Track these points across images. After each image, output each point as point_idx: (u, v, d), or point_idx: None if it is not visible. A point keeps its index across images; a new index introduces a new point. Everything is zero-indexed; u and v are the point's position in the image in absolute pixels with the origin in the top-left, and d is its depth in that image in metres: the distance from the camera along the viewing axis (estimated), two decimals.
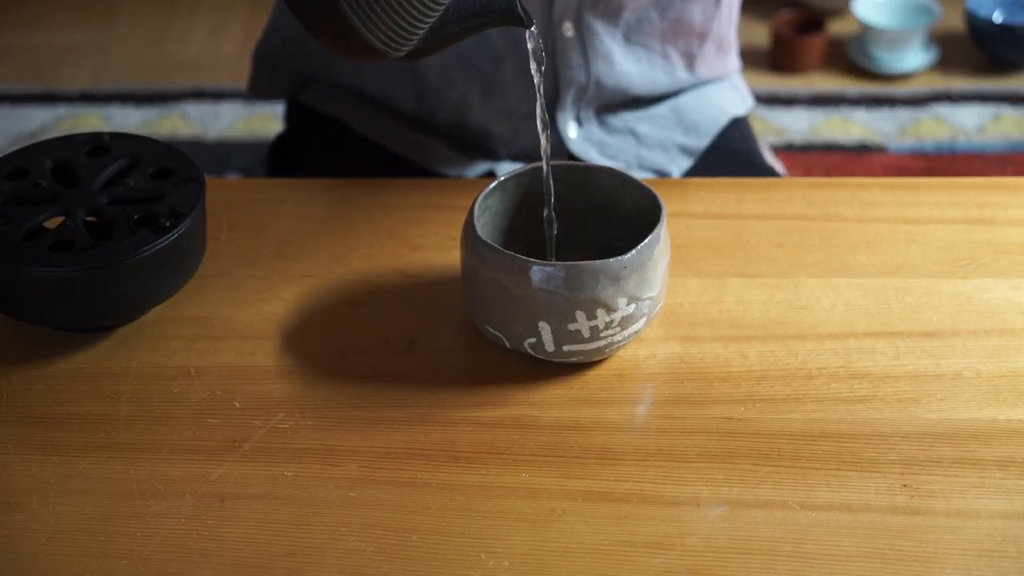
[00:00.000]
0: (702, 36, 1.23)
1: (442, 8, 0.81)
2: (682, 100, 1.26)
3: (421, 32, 0.81)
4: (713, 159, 1.26)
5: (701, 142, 1.26)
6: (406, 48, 0.81)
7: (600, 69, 1.20)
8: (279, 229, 1.04)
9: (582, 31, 1.18)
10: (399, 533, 0.80)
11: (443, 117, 1.22)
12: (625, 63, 1.21)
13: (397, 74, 1.21)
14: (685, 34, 1.22)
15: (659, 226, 0.88)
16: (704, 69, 1.26)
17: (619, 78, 1.21)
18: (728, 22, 1.27)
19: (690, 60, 1.24)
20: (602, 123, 1.24)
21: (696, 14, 1.21)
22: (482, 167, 1.23)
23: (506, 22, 0.84)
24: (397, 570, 0.78)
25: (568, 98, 1.21)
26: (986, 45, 2.53)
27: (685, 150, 1.26)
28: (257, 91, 1.32)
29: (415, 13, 0.80)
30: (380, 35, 0.79)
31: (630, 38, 1.20)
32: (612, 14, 1.18)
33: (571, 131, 1.23)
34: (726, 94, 1.30)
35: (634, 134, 1.25)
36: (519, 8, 0.83)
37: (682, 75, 1.24)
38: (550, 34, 1.17)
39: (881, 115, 2.45)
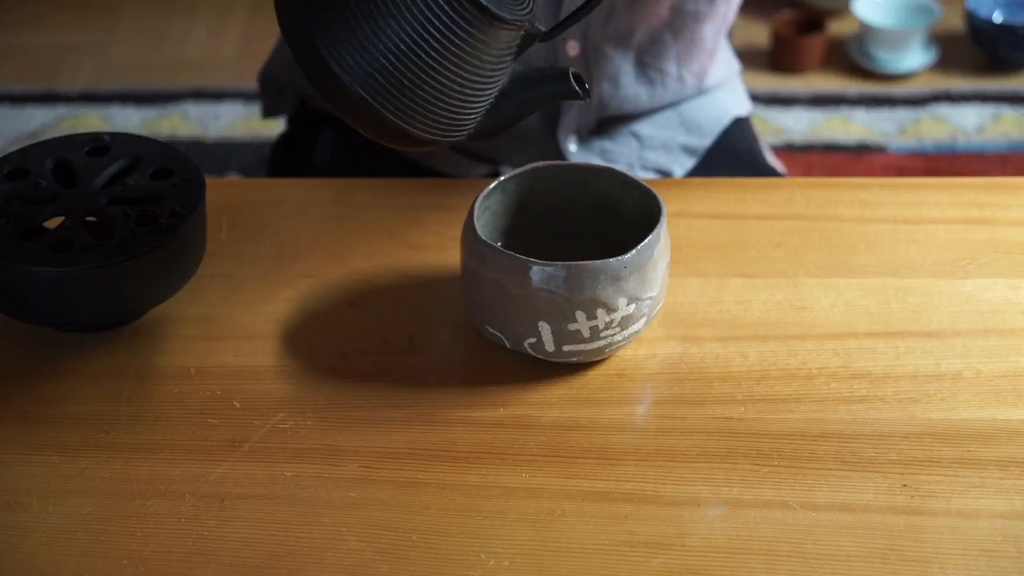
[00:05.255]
0: (712, 53, 1.24)
1: (488, 94, 0.82)
2: (685, 103, 1.27)
3: (471, 118, 0.82)
4: (715, 158, 1.26)
5: (704, 141, 1.26)
6: (458, 135, 0.82)
7: (604, 90, 1.19)
8: (279, 229, 1.04)
9: (587, 51, 1.17)
10: (399, 533, 0.80)
11: None
12: (633, 86, 1.20)
13: None
14: (699, 55, 1.22)
15: (659, 226, 0.88)
16: (710, 80, 1.27)
17: (623, 100, 1.21)
18: (728, 33, 1.28)
19: (701, 78, 1.25)
20: (604, 130, 1.24)
21: (708, 33, 1.21)
22: (485, 169, 1.23)
23: (563, 96, 0.84)
24: (397, 570, 0.78)
25: (568, 116, 1.21)
26: (986, 45, 2.53)
27: (688, 149, 1.26)
28: (271, 112, 1.33)
29: (454, 104, 0.80)
30: (421, 127, 0.80)
31: (644, 61, 1.20)
32: (623, 36, 1.18)
33: (571, 145, 1.22)
34: (728, 95, 1.31)
35: (636, 136, 1.25)
36: (573, 82, 0.83)
37: (691, 92, 1.25)
38: (553, 52, 1.17)
39: (881, 115, 2.45)
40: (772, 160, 1.33)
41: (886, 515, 0.81)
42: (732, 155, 1.27)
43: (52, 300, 0.89)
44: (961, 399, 0.89)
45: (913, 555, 0.78)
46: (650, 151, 1.24)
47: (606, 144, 1.24)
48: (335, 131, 1.25)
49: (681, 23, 1.19)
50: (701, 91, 1.27)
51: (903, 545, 0.79)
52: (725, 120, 1.28)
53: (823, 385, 0.90)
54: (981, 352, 0.92)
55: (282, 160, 1.33)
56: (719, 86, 1.30)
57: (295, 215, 1.06)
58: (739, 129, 1.30)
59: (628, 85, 1.20)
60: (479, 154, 1.23)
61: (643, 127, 1.25)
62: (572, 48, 1.17)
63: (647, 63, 1.20)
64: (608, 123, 1.24)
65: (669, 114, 1.26)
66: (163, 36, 2.74)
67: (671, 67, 1.21)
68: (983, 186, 1.09)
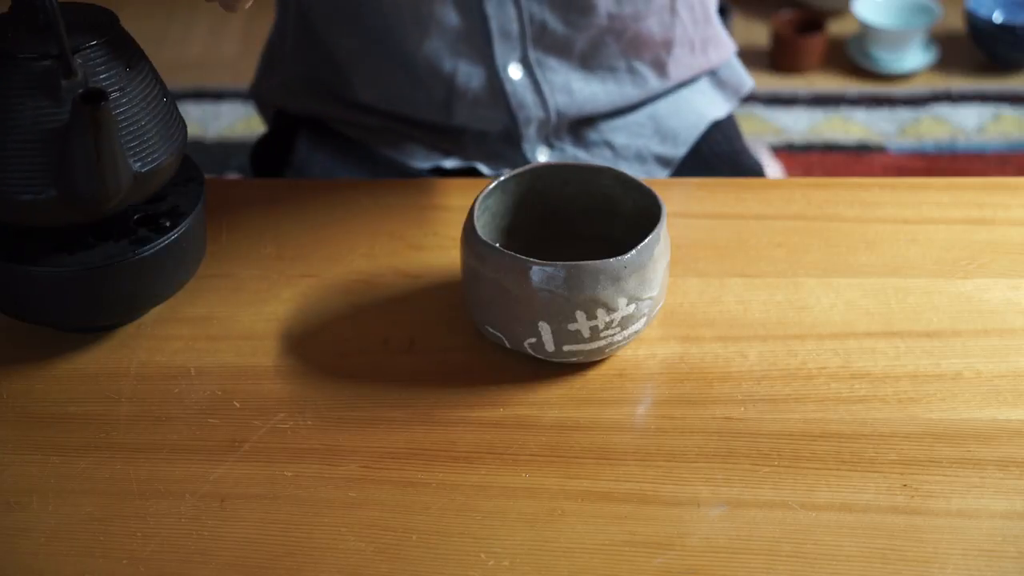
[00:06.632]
0: (667, 44, 1.21)
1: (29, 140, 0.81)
2: (660, 106, 1.25)
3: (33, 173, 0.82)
4: (693, 166, 1.25)
5: (679, 151, 1.24)
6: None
7: (559, 101, 1.19)
8: (279, 229, 1.04)
9: (532, 70, 1.17)
10: (399, 533, 0.80)
11: (419, 122, 1.22)
12: (587, 89, 1.19)
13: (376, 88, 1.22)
14: (650, 46, 1.20)
15: (659, 226, 0.88)
16: (679, 71, 1.24)
17: (582, 104, 1.20)
18: (699, 20, 1.23)
19: (661, 67, 1.22)
20: (577, 138, 1.23)
21: (654, 27, 1.19)
22: (455, 163, 1.22)
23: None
24: (397, 570, 0.78)
25: (530, 132, 1.20)
26: (986, 45, 2.53)
27: (662, 160, 1.24)
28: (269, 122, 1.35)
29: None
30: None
31: (588, 64, 1.19)
32: (562, 48, 1.17)
33: (541, 156, 1.22)
34: (706, 95, 1.28)
35: (610, 146, 1.23)
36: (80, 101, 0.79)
37: (654, 84, 1.22)
38: (496, 79, 1.17)
39: (881, 115, 2.45)
40: (762, 157, 1.32)
41: (886, 515, 0.81)
42: (712, 160, 1.25)
43: (52, 300, 0.89)
44: (961, 399, 0.89)
45: (913, 555, 0.78)
46: (624, 163, 1.23)
47: (579, 155, 1.23)
48: (310, 133, 1.26)
49: (621, 25, 1.17)
50: (673, 87, 1.24)
51: (903, 545, 0.79)
52: (702, 125, 1.26)
53: (823, 385, 0.90)
54: (981, 352, 0.92)
55: (262, 161, 1.34)
56: (694, 83, 1.27)
57: (295, 215, 1.06)
58: (719, 132, 1.28)
59: (580, 91, 1.19)
60: (449, 150, 1.23)
61: (617, 136, 1.23)
62: (515, 72, 1.17)
63: (592, 65, 1.19)
64: (581, 127, 1.23)
65: (643, 120, 1.24)
66: (163, 36, 2.74)
67: (619, 63, 1.20)
68: (983, 186, 1.09)
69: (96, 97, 0.79)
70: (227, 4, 0.83)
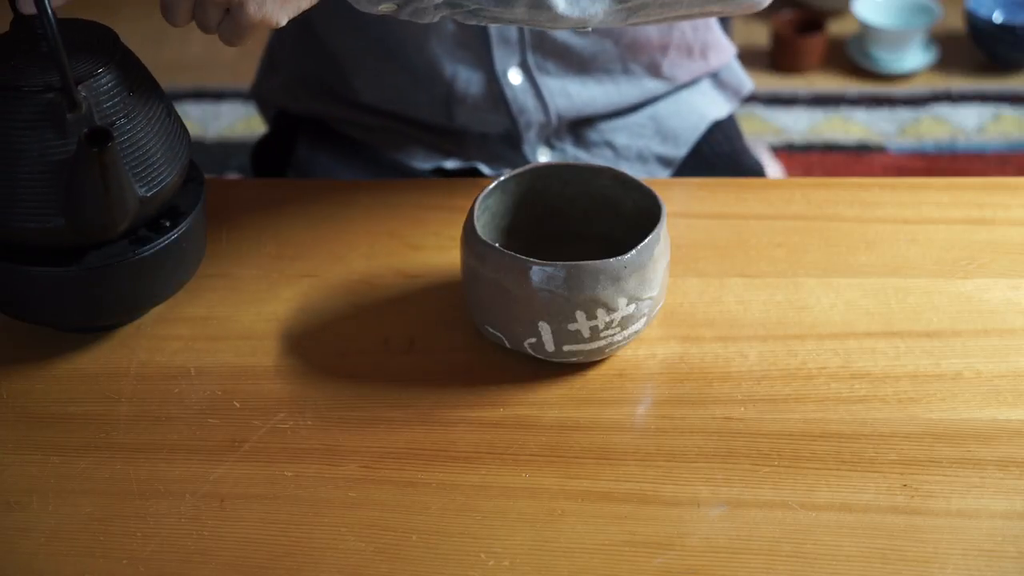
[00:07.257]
0: (663, 47, 1.21)
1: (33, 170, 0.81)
2: (660, 106, 1.24)
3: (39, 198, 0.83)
4: (694, 166, 1.25)
5: (680, 151, 1.25)
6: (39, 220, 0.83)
7: (559, 104, 1.19)
8: (279, 229, 1.04)
9: (532, 75, 1.17)
10: (399, 533, 0.80)
11: (419, 123, 1.22)
12: (585, 92, 1.19)
13: (380, 89, 1.21)
14: (646, 49, 1.20)
15: (659, 226, 0.88)
16: (675, 72, 1.23)
17: (581, 107, 1.20)
18: (699, 26, 1.23)
19: (655, 69, 1.22)
20: (578, 138, 1.23)
21: (652, 32, 1.19)
22: (455, 163, 1.22)
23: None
24: (397, 570, 0.78)
25: (530, 135, 1.20)
26: (986, 45, 2.53)
27: (663, 160, 1.24)
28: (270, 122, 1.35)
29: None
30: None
31: (586, 68, 1.19)
32: (561, 53, 1.17)
33: (542, 157, 1.22)
34: (706, 96, 1.28)
35: (611, 146, 1.23)
36: (86, 141, 0.80)
37: (650, 84, 1.22)
38: (496, 84, 1.17)
39: (881, 115, 2.45)
40: (761, 156, 1.32)
41: (886, 515, 0.81)
42: (712, 161, 1.25)
43: (52, 300, 0.89)
44: (961, 399, 0.89)
45: (913, 555, 0.78)
46: (625, 163, 1.23)
47: (580, 156, 1.23)
48: (311, 133, 1.26)
49: (619, 30, 1.18)
50: (674, 88, 1.25)
51: (903, 545, 0.79)
52: (702, 126, 1.26)
53: (823, 385, 0.90)
54: (981, 352, 0.92)
55: (263, 161, 1.34)
56: (695, 84, 1.27)
57: (295, 215, 1.06)
58: (720, 132, 1.28)
59: (579, 93, 1.19)
60: (450, 151, 1.23)
61: (618, 136, 1.23)
62: (514, 77, 1.17)
63: (589, 70, 1.19)
64: (581, 128, 1.23)
65: (644, 120, 1.24)
66: (163, 36, 2.73)
67: (615, 66, 1.20)
68: (983, 186, 1.09)
69: (102, 138, 0.79)
70: (227, 40, 0.83)
